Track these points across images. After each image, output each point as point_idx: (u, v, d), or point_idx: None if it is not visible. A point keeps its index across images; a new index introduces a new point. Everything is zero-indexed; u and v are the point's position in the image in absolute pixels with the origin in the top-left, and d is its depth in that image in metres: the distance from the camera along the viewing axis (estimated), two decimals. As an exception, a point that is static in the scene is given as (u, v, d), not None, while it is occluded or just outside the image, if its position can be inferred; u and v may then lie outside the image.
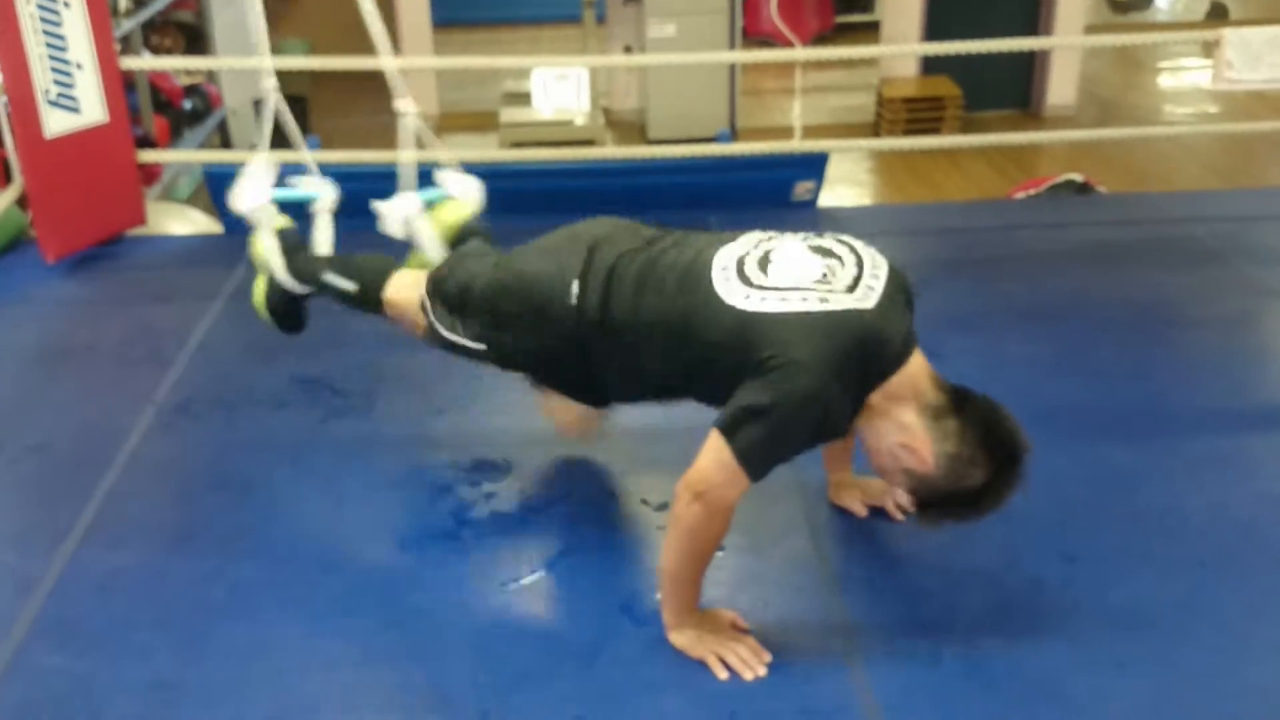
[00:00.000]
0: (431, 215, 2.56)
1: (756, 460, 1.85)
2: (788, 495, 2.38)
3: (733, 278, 1.96)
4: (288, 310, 2.59)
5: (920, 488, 1.92)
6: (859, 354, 1.85)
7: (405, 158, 2.67)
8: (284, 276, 2.52)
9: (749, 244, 2.04)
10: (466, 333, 2.21)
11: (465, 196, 2.61)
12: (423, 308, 2.28)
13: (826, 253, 1.98)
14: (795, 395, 1.82)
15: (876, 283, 1.92)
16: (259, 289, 2.60)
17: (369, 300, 2.40)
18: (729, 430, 1.85)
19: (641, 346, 2.04)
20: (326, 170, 2.83)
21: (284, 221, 2.60)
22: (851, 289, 1.91)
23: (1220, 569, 2.20)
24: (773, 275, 1.94)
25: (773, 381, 1.83)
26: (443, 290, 2.25)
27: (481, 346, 2.20)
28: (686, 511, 1.90)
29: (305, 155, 2.86)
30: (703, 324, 1.95)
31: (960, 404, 1.88)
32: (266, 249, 2.55)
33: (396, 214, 2.55)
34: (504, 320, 2.16)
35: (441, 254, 2.50)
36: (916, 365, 1.93)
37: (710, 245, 2.05)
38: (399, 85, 2.76)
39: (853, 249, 2.00)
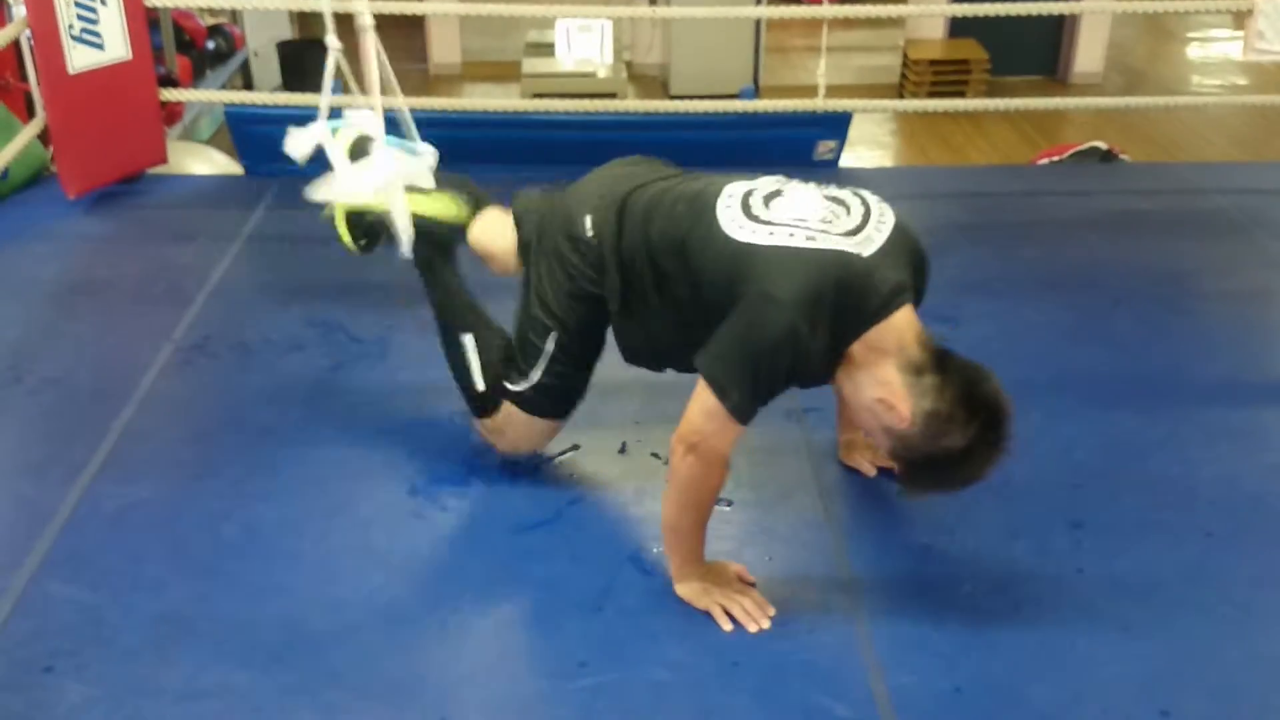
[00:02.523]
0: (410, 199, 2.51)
1: (741, 402, 1.85)
2: (797, 454, 2.40)
3: (735, 206, 1.95)
4: (365, 226, 2.51)
5: (900, 447, 1.88)
6: (836, 295, 1.82)
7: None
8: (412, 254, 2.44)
9: (764, 182, 2.03)
10: (539, 351, 2.18)
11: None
12: (510, 398, 2.26)
13: (837, 200, 1.97)
14: (765, 330, 1.81)
15: (878, 234, 1.90)
16: (340, 208, 2.51)
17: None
18: (710, 376, 1.86)
19: (647, 279, 2.03)
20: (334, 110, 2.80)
21: (352, 133, 2.51)
22: (851, 234, 1.88)
23: (1228, 539, 2.20)
24: (774, 210, 1.93)
25: (747, 318, 1.83)
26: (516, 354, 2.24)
27: (553, 339, 2.16)
28: (682, 464, 1.91)
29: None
30: (698, 248, 1.95)
31: (942, 362, 1.84)
32: (340, 165, 2.45)
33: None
34: (543, 270, 2.15)
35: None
36: (903, 320, 1.88)
37: (724, 179, 2.05)
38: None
39: (864, 200, 1.98)
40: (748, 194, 1.99)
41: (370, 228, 2.57)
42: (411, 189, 2.42)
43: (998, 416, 1.82)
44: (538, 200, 2.29)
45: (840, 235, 1.88)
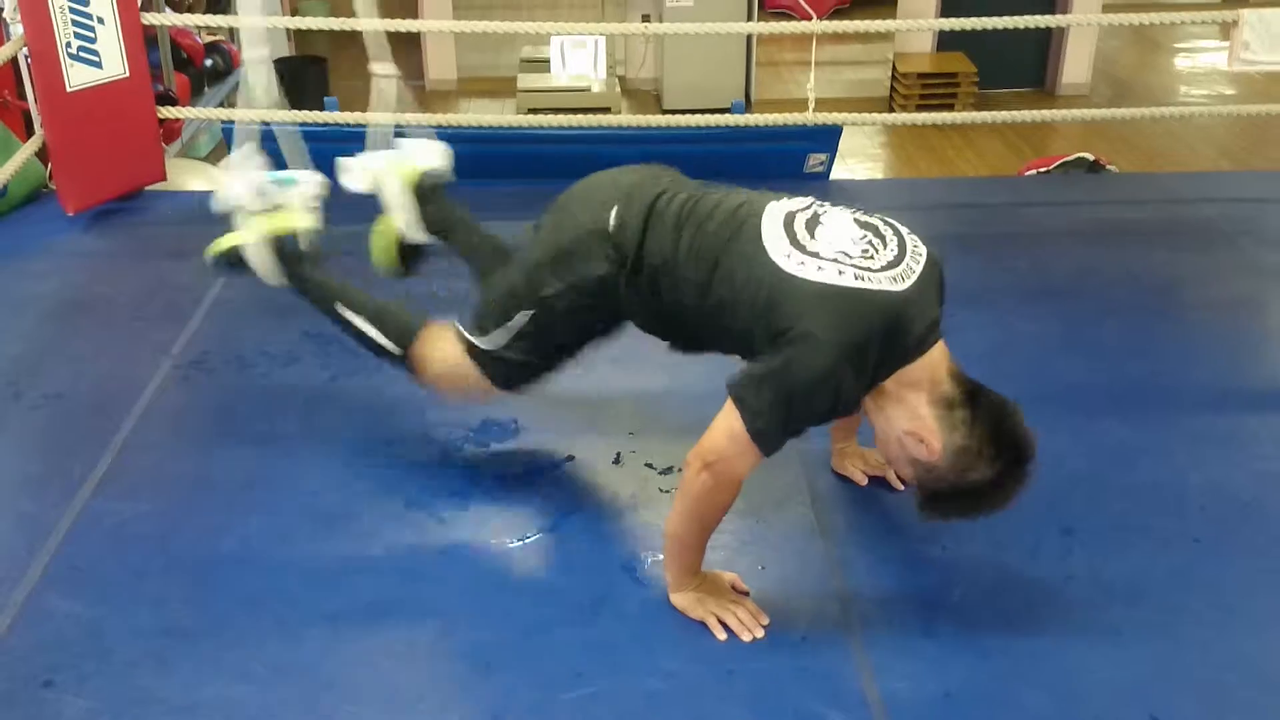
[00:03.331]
0: (396, 170, 2.55)
1: (768, 435, 1.86)
2: (790, 463, 2.41)
3: (780, 233, 1.93)
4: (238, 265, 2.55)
5: (926, 478, 1.91)
6: (881, 337, 1.83)
7: (381, 119, 2.70)
8: (272, 278, 2.48)
9: (800, 203, 2.02)
10: (506, 319, 2.15)
11: (427, 161, 2.61)
12: (462, 341, 2.23)
13: (869, 227, 1.96)
14: (810, 372, 1.82)
15: (916, 266, 1.90)
16: (224, 244, 2.53)
17: (396, 350, 2.36)
18: (742, 402, 1.85)
19: (672, 284, 2.02)
20: (343, 131, 2.85)
21: (291, 220, 2.50)
22: (889, 268, 1.88)
23: (1216, 544, 2.23)
24: (819, 239, 1.91)
25: (789, 355, 1.83)
26: (479, 315, 2.22)
27: (527, 315, 2.13)
28: (696, 480, 1.92)
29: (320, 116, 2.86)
30: (738, 269, 1.93)
31: (973, 398, 1.86)
32: (254, 253, 2.46)
33: (361, 169, 2.59)
34: (544, 266, 2.11)
35: (408, 207, 2.52)
36: (937, 355, 1.90)
37: (760, 196, 2.04)
38: (380, 49, 2.75)
39: (896, 230, 1.97)
40: (790, 217, 1.97)
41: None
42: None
43: (1024, 452, 1.85)
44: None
45: (881, 271, 1.87)
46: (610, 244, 2.05)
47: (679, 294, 2.02)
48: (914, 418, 1.88)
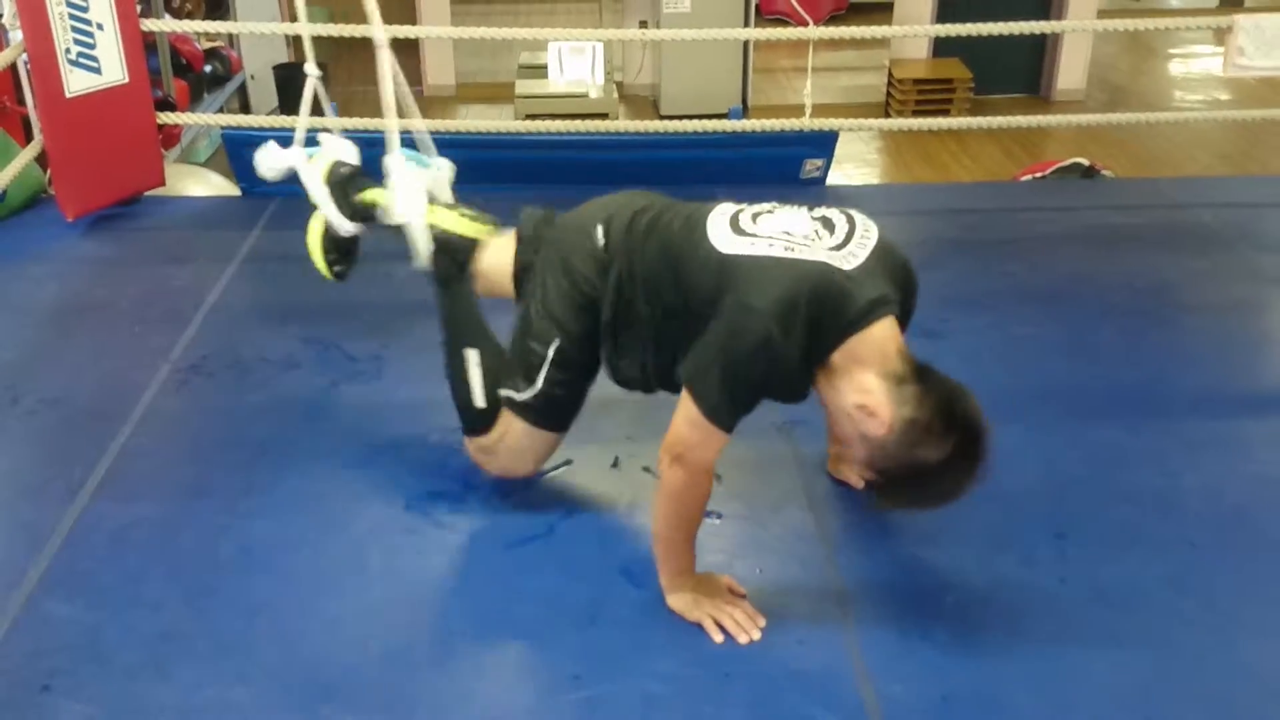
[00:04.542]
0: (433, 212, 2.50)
1: (722, 411, 1.89)
2: (786, 467, 2.43)
3: (724, 223, 2.00)
4: (340, 249, 2.64)
5: (877, 455, 1.88)
6: (810, 303, 1.84)
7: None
8: (336, 217, 2.56)
9: (760, 206, 2.07)
10: (542, 356, 2.19)
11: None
12: (510, 406, 2.26)
13: (824, 220, 2.01)
14: (741, 338, 1.85)
15: (861, 250, 1.93)
16: (313, 231, 2.63)
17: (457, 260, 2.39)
18: (692, 385, 1.90)
19: (639, 292, 2.07)
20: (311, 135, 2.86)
21: (328, 158, 2.60)
22: (834, 250, 1.92)
23: (1212, 550, 2.23)
24: (760, 225, 1.98)
25: (723, 325, 1.87)
26: (515, 362, 2.25)
27: (555, 345, 2.18)
28: (669, 475, 1.95)
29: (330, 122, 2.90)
30: (688, 261, 2.00)
31: (923, 375, 1.86)
32: (316, 191, 2.57)
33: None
34: (549, 277, 2.18)
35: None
36: (884, 332, 1.90)
37: (720, 201, 2.10)
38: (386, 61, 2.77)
39: (849, 219, 2.02)
40: (738, 212, 2.04)
41: (344, 248, 2.62)
42: (434, 202, 2.46)
43: (975, 434, 1.83)
44: (539, 222, 2.32)
45: (822, 250, 1.92)
46: (601, 260, 2.11)
47: (660, 304, 2.06)
48: (863, 391, 1.87)
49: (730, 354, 1.87)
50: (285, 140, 2.77)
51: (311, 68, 2.83)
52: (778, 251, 1.91)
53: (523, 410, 2.25)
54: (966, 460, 1.83)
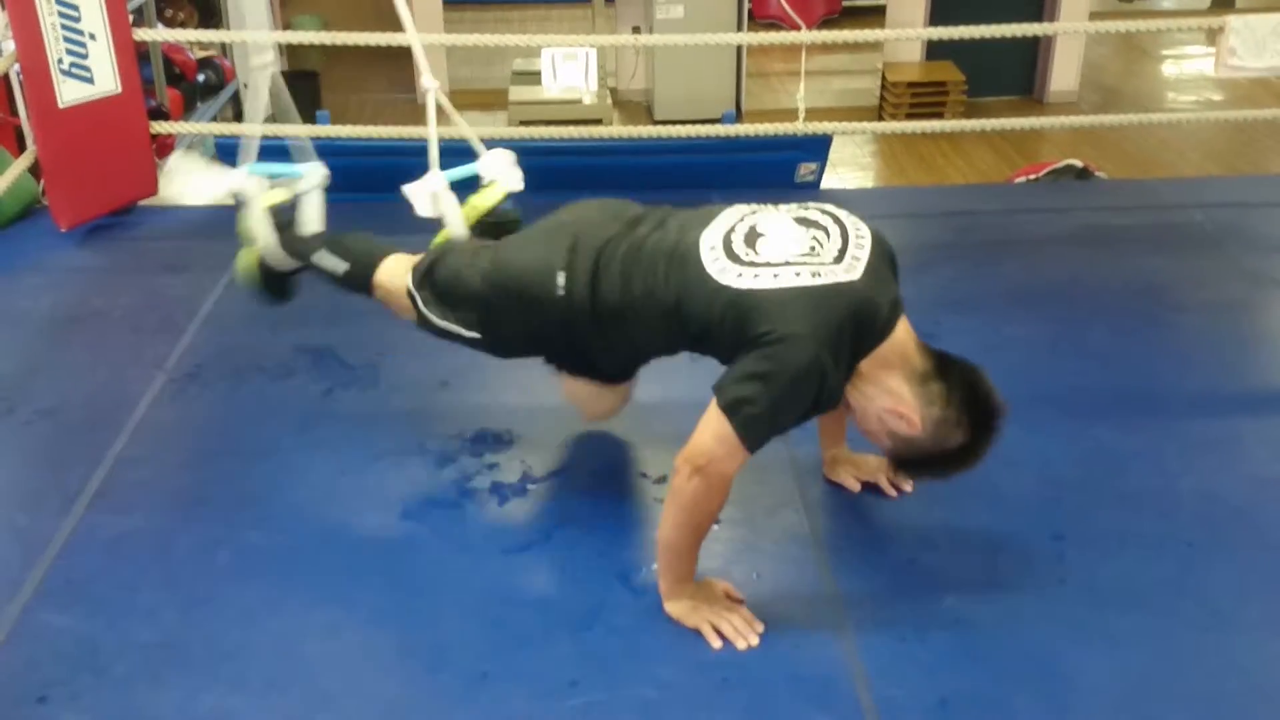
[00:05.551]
0: (466, 200, 2.58)
1: (756, 433, 1.89)
2: (782, 470, 2.42)
3: (721, 257, 1.98)
4: (276, 283, 2.64)
5: (905, 449, 2.00)
6: (852, 325, 1.89)
7: (430, 134, 2.72)
8: (274, 252, 2.55)
9: (733, 219, 2.06)
10: (459, 321, 2.23)
11: (498, 177, 2.64)
12: (409, 296, 2.29)
13: (811, 224, 2.01)
14: (792, 368, 1.85)
15: (862, 252, 1.96)
16: (246, 260, 2.63)
17: (358, 282, 2.42)
18: (728, 404, 1.87)
19: (638, 326, 2.07)
20: (338, 145, 2.86)
21: (276, 196, 2.61)
22: (838, 260, 1.93)
23: (1209, 549, 2.23)
24: (762, 250, 1.97)
25: (770, 355, 1.86)
26: (430, 280, 2.27)
27: (476, 335, 2.23)
28: (687, 485, 1.93)
29: (300, 130, 2.89)
30: (697, 304, 1.97)
31: (944, 368, 1.96)
32: (256, 224, 2.56)
33: (423, 193, 2.60)
34: (496, 312, 2.19)
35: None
36: (903, 332, 1.97)
37: (693, 225, 2.07)
38: (422, 61, 2.77)
39: (836, 218, 2.03)
40: (727, 239, 2.01)
41: (277, 278, 2.63)
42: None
43: (993, 412, 1.94)
44: (456, 253, 2.33)
45: (832, 264, 1.93)
46: (562, 306, 2.10)
47: (649, 331, 2.08)
48: (892, 396, 1.95)
49: (781, 382, 1.86)
50: (281, 150, 2.77)
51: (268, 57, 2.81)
52: (804, 280, 1.90)
53: (424, 319, 2.30)
54: (985, 435, 1.94)
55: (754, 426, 1.88)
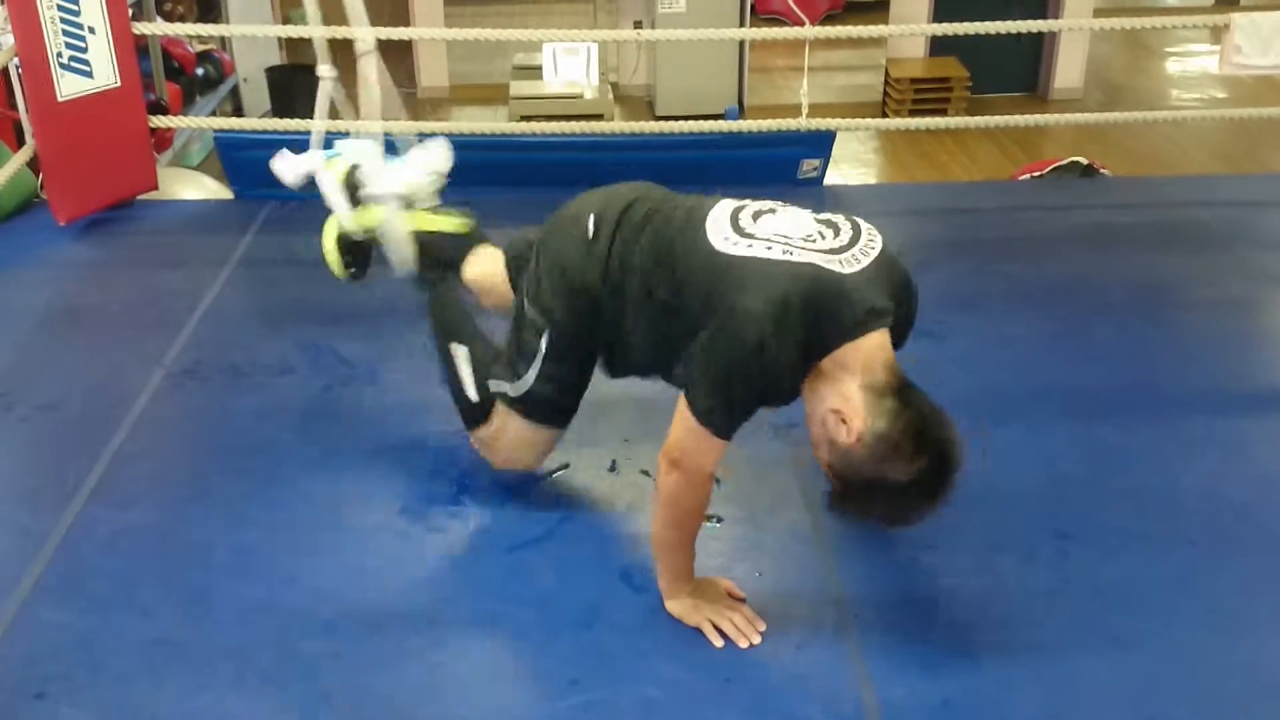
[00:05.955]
0: (411, 217, 2.55)
1: (717, 417, 1.87)
2: (784, 469, 2.41)
3: (723, 220, 1.98)
4: (355, 251, 2.63)
5: (842, 464, 1.84)
6: (811, 309, 1.82)
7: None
8: (350, 221, 2.56)
9: (762, 204, 2.04)
10: (532, 348, 2.19)
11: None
12: (503, 401, 2.27)
13: (827, 223, 1.98)
14: (735, 343, 1.82)
15: (864, 257, 1.90)
16: (329, 234, 2.62)
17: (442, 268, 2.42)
18: (689, 398, 1.88)
19: (634, 281, 2.04)
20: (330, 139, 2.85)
21: (346, 162, 2.61)
22: (833, 253, 1.89)
23: (1212, 548, 2.22)
24: (760, 225, 1.95)
25: (716, 331, 1.85)
26: (508, 354, 2.26)
27: (546, 338, 2.16)
28: (667, 480, 1.93)
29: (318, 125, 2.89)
30: (682, 256, 1.97)
31: (906, 393, 1.82)
32: (332, 196, 2.57)
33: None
34: (541, 267, 2.16)
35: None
36: (875, 344, 1.86)
37: (722, 198, 2.08)
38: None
39: (855, 225, 1.99)
40: (739, 209, 2.01)
41: (360, 250, 2.62)
42: (412, 205, 2.47)
43: (945, 465, 1.78)
44: (529, 233, 2.32)
45: (821, 252, 1.89)
46: (592, 250, 2.08)
47: (654, 296, 2.03)
48: (841, 397, 1.84)
49: (724, 360, 1.84)
50: (290, 144, 2.76)
51: (326, 69, 2.82)
52: (774, 254, 1.88)
53: (517, 405, 2.24)
54: (928, 489, 1.80)
55: (714, 413, 1.87)
